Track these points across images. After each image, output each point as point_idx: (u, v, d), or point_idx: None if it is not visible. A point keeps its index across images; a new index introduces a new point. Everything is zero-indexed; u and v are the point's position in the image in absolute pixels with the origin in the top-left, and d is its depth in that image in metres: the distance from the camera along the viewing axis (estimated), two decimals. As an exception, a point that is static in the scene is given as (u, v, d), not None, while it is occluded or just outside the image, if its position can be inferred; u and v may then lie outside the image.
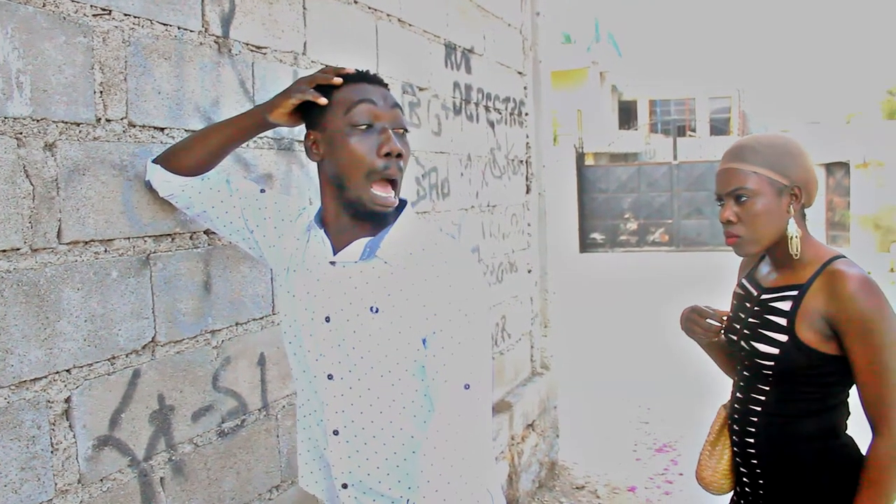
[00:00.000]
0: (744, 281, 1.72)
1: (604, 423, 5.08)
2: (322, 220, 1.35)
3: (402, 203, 1.34)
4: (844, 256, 1.54)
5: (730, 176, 1.57)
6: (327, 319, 1.31)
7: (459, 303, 1.23)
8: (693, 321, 1.72)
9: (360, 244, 1.28)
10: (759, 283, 1.65)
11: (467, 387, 1.22)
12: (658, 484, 3.99)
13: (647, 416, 5.26)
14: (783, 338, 1.53)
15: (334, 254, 1.30)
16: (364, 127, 1.24)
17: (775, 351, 1.53)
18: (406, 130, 1.30)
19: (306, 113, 1.34)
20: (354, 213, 1.28)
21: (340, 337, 1.30)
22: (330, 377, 1.32)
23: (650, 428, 4.99)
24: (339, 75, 1.28)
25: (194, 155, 1.49)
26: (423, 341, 1.25)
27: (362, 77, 1.29)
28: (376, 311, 1.26)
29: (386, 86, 1.31)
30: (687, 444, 4.58)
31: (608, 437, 4.82)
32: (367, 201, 1.25)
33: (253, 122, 1.43)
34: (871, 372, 1.44)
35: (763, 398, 1.60)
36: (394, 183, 1.27)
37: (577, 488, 3.99)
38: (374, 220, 1.28)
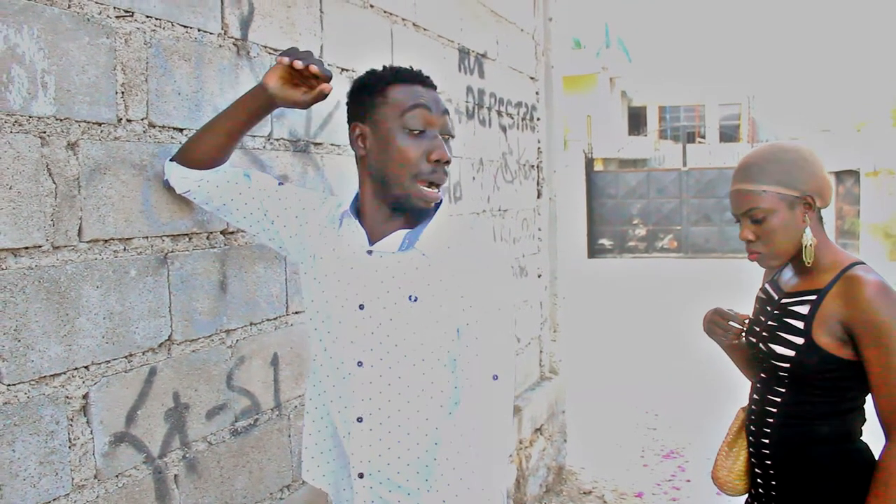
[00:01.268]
0: (766, 285, 1.75)
1: (611, 429, 5.07)
2: (357, 210, 1.38)
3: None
4: (864, 262, 1.55)
5: (742, 197, 1.59)
6: (361, 307, 1.33)
7: (493, 295, 1.30)
8: (715, 323, 1.75)
9: (398, 236, 1.32)
10: (780, 287, 1.68)
11: (496, 377, 1.28)
12: (665, 490, 3.98)
13: (654, 422, 5.25)
14: (799, 340, 1.54)
15: (370, 244, 1.34)
16: (417, 132, 1.29)
17: (791, 353, 1.55)
18: (452, 136, 1.35)
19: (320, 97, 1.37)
20: (396, 207, 1.33)
21: (375, 324, 1.33)
22: (360, 364, 1.35)
23: (658, 434, 4.98)
24: (315, 75, 1.31)
25: (206, 144, 1.50)
26: (458, 331, 1.31)
27: (417, 78, 1.33)
28: (415, 300, 1.30)
29: (436, 88, 1.36)
30: (694, 450, 4.56)
31: (616, 442, 4.81)
32: (414, 198, 1.30)
33: (251, 95, 1.43)
34: (885, 377, 1.45)
35: (779, 400, 1.61)
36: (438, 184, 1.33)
37: (584, 493, 3.98)
38: (417, 214, 1.33)
